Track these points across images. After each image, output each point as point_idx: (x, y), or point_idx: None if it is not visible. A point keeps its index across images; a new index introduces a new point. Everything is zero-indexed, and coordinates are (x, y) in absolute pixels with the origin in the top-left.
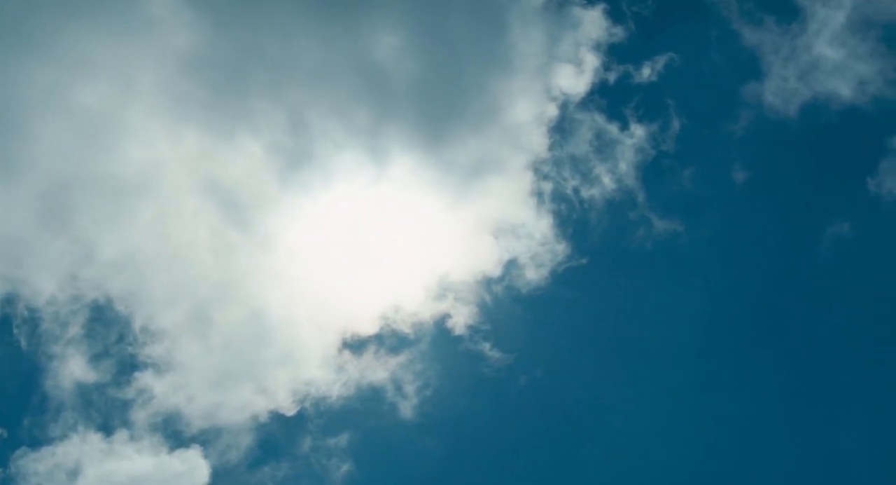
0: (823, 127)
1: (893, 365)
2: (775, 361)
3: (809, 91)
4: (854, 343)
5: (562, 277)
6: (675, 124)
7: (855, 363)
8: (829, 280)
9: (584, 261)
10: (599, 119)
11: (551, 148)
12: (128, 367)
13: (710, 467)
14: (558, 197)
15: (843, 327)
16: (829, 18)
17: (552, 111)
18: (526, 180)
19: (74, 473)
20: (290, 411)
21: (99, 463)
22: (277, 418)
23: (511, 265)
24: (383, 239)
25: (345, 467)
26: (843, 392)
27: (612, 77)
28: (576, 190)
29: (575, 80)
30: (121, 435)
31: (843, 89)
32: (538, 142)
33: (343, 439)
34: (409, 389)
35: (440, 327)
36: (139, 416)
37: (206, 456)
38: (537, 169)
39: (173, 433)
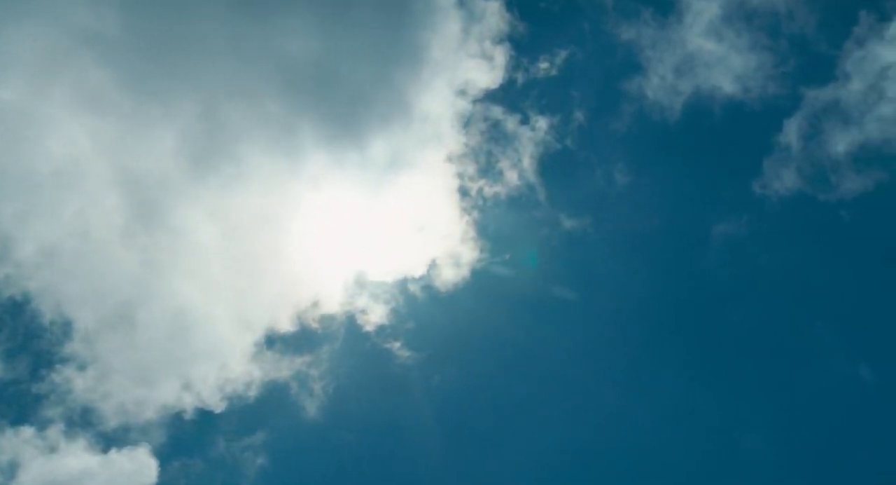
0: (707, 121)
1: (782, 359)
2: (677, 358)
3: (691, 86)
4: (745, 338)
5: (479, 276)
6: (580, 119)
7: (748, 358)
8: (720, 278)
9: (505, 258)
10: (512, 114)
11: (467, 144)
12: (45, 363)
13: (615, 463)
14: (475, 194)
15: (733, 323)
16: (704, 9)
17: (465, 107)
18: (442, 177)
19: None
20: (218, 407)
21: (36, 459)
22: (202, 414)
23: (428, 264)
24: (301, 235)
25: (260, 461)
26: (735, 386)
27: (520, 71)
28: (489, 187)
29: (484, 74)
30: (54, 430)
31: (727, 84)
32: (453, 138)
33: (260, 435)
34: (319, 386)
35: (353, 326)
36: (57, 411)
37: (154, 454)
38: (453, 166)
39: (97, 431)
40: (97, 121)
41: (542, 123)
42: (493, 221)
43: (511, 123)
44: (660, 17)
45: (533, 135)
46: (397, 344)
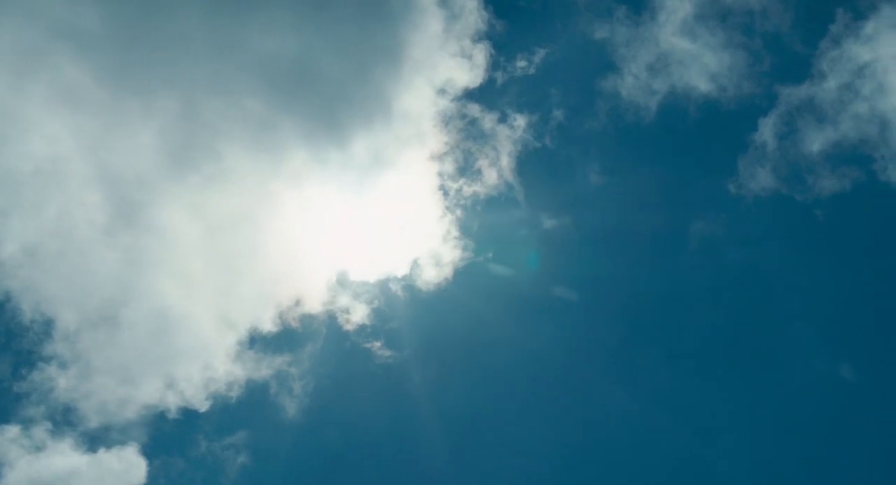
0: (684, 120)
1: (761, 359)
2: (652, 358)
3: (667, 85)
4: (723, 339)
5: (462, 276)
6: (559, 118)
7: (726, 359)
8: (696, 277)
9: (489, 256)
10: (491, 112)
11: (448, 143)
12: (26, 362)
13: (590, 465)
14: (458, 193)
15: (710, 324)
16: (677, 7)
17: (447, 105)
18: (424, 176)
19: None
20: (202, 407)
21: (22, 458)
22: (187, 413)
23: (411, 263)
24: (283, 234)
25: (242, 460)
26: (713, 387)
27: (499, 70)
28: (471, 186)
29: (465, 73)
30: (40, 430)
31: (702, 84)
32: (434, 136)
33: (244, 434)
34: (299, 385)
35: (334, 325)
36: (39, 410)
37: (143, 454)
38: (435, 164)
39: (84, 430)
40: (77, 118)
41: (520, 121)
42: (476, 220)
43: (491, 121)
44: (633, 16)
45: (511, 133)
46: (377, 344)
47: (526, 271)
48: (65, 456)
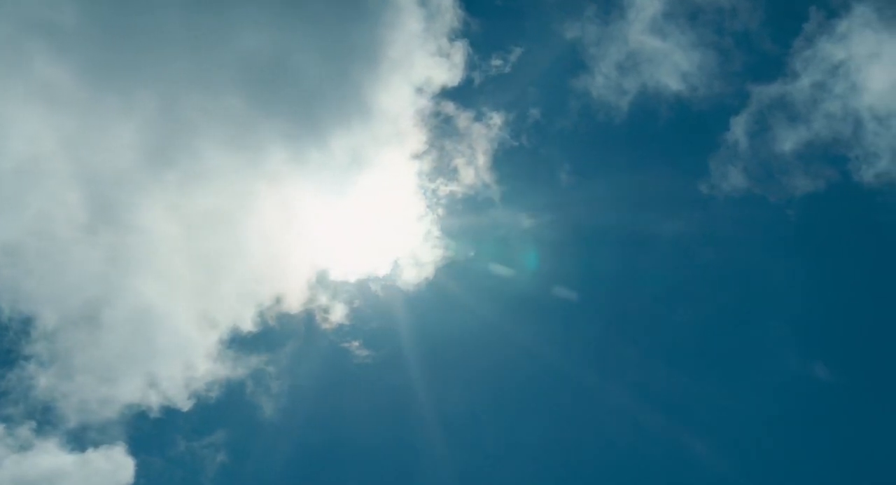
0: (655, 120)
1: (736, 359)
2: (624, 359)
3: (637, 84)
4: (695, 340)
5: (442, 276)
6: (535, 117)
7: (700, 359)
8: (669, 277)
9: (469, 255)
10: (467, 111)
11: (427, 142)
12: (4, 361)
13: (574, 468)
14: (437, 193)
15: (683, 324)
16: (646, 5)
17: (425, 104)
18: (403, 175)
19: None
20: (184, 406)
21: (9, 458)
22: (168, 412)
23: (392, 263)
24: (262, 233)
25: (220, 459)
26: (687, 388)
27: (476, 70)
28: (451, 185)
29: (443, 71)
30: (25, 428)
31: (673, 83)
32: (414, 136)
33: (226, 433)
34: (277, 384)
35: (313, 325)
36: (19, 410)
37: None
38: (414, 164)
39: (68, 429)
40: (55, 116)
41: (497, 120)
42: (457, 220)
43: (467, 120)
44: (602, 14)
45: (487, 132)
46: (356, 343)
47: (507, 271)
48: (52, 455)
